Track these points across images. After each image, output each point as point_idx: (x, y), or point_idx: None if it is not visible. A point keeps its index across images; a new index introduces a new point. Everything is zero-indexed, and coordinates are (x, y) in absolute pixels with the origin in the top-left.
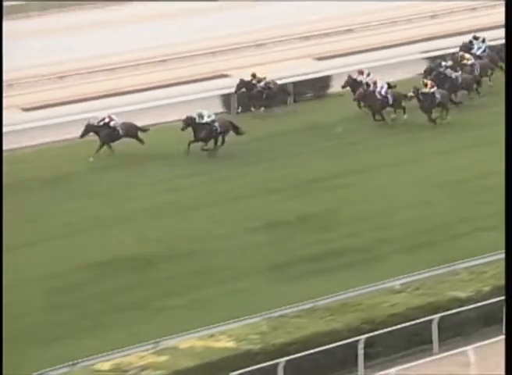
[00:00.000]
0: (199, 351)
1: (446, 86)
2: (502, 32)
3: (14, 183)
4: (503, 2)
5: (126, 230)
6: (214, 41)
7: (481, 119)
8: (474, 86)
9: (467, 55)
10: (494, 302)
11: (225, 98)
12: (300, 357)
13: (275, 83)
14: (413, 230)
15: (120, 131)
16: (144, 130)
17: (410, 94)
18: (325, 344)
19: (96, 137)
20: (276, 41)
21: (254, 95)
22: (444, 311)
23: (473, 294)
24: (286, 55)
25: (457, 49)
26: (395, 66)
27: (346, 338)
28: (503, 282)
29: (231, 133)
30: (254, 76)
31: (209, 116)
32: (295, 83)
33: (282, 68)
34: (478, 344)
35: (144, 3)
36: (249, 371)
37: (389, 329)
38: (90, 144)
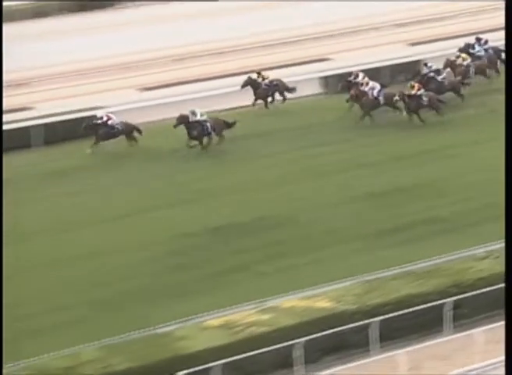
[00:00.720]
0: (300, 310)
1: (432, 88)
2: None
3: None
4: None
5: (239, 197)
6: (316, 28)
7: None
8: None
9: (463, 55)
10: None
11: (324, 81)
12: (393, 317)
13: (280, 81)
14: None
15: (117, 129)
16: (139, 130)
17: (396, 98)
18: (416, 306)
19: None
20: (372, 27)
21: (260, 92)
22: None
23: None
24: (381, 41)
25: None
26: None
27: (436, 300)
28: None
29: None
30: (259, 74)
31: (201, 115)
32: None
33: (377, 53)
34: None
35: None
36: (345, 329)
37: (477, 292)
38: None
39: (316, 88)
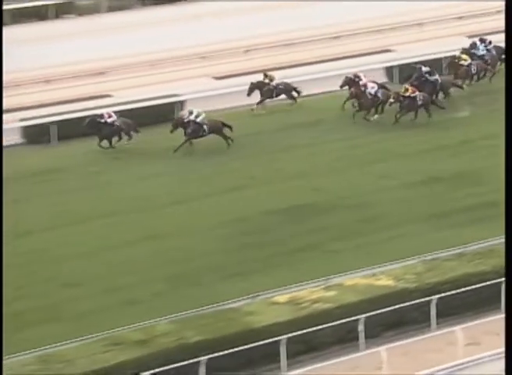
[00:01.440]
0: (362, 288)
1: (425, 89)
2: None
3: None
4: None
5: (304, 181)
6: (379, 21)
7: None
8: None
9: (463, 56)
10: None
11: (388, 71)
12: (451, 295)
13: (286, 83)
14: None
15: (118, 127)
16: (136, 129)
17: (391, 100)
18: (473, 284)
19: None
20: (433, 20)
21: (265, 93)
22: None
23: None
24: (441, 34)
25: None
26: None
27: (491, 279)
28: None
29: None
30: (265, 75)
31: (199, 115)
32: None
33: (437, 45)
34: None
35: None
36: (403, 307)
37: None
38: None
39: (381, 78)
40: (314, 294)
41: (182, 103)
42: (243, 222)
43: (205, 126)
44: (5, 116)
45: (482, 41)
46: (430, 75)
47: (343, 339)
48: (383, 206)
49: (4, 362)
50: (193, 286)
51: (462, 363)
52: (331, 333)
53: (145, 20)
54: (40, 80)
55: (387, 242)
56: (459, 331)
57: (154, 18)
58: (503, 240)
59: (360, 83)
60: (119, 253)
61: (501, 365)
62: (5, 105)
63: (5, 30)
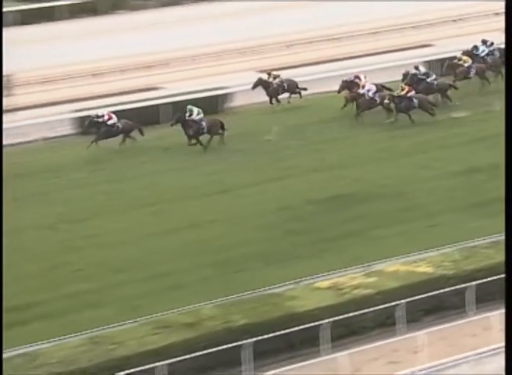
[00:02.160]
0: (402, 274)
1: (421, 89)
2: None
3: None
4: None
5: (345, 171)
6: (415, 17)
7: None
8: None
9: (464, 57)
10: None
11: (428, 64)
12: (487, 282)
13: (290, 80)
14: None
15: (118, 128)
16: (140, 130)
17: (386, 101)
18: None
19: None
20: (473, 16)
21: (271, 91)
22: None
23: None
24: (482, 29)
25: None
26: None
27: None
28: None
29: None
30: (269, 74)
31: (198, 114)
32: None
33: (475, 40)
34: None
35: None
36: (442, 292)
37: None
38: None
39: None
40: (355, 279)
41: (226, 96)
42: (287, 210)
43: (204, 124)
44: (59, 107)
45: (484, 42)
46: (426, 76)
47: (383, 324)
48: (423, 196)
49: (56, 342)
50: (238, 272)
51: (498, 347)
52: (372, 317)
53: (192, 16)
54: (88, 73)
55: (426, 230)
56: (495, 317)
57: (196, 15)
58: None
59: (360, 84)
60: (167, 240)
61: None
62: (58, 97)
63: (66, 24)
